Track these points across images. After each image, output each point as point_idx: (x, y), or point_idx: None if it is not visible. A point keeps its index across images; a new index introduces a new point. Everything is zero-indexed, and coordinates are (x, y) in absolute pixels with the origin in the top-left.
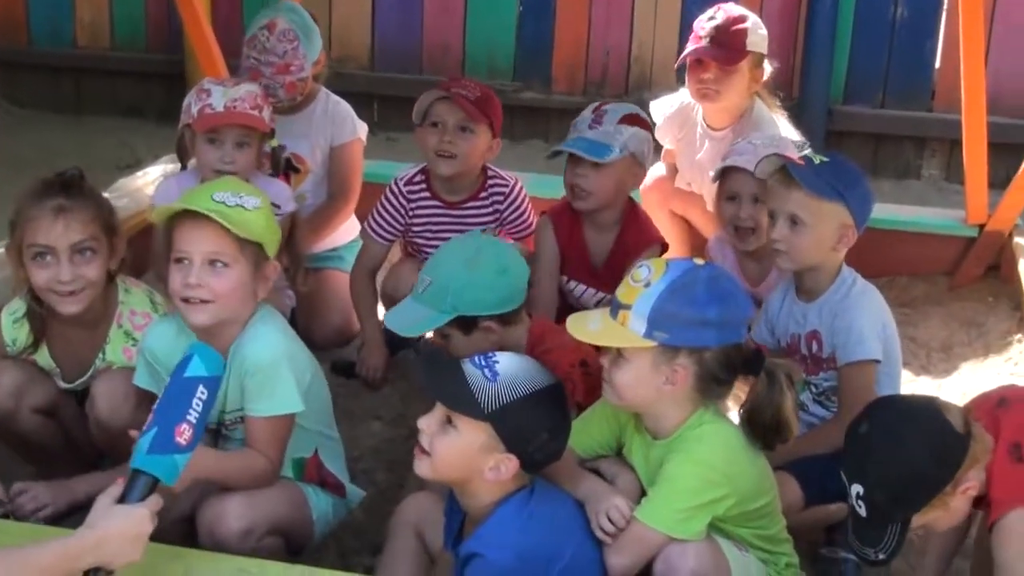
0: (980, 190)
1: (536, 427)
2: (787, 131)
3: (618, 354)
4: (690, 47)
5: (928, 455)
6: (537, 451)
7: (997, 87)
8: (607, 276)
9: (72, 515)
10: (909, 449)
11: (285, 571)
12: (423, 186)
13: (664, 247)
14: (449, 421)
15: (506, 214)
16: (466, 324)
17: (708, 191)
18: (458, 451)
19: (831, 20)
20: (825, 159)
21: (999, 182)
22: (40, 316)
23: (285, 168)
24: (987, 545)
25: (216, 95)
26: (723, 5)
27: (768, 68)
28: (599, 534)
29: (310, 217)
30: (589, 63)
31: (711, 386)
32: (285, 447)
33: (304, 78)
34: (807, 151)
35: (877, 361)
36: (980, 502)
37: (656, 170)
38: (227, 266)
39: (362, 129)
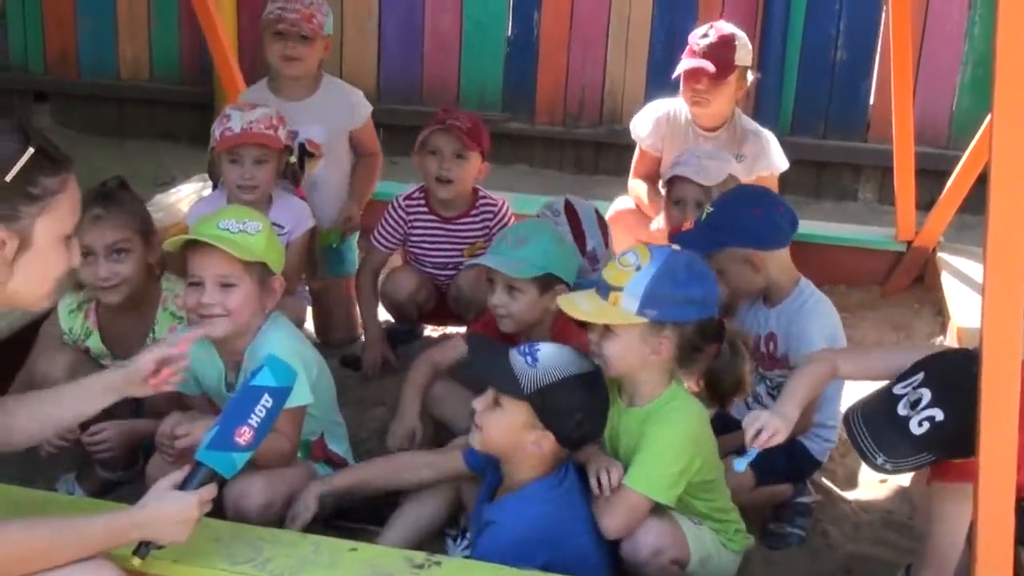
0: (908, 211)
1: (570, 408)
2: (767, 137)
3: (607, 329)
4: (686, 60)
5: None
6: (573, 430)
7: (923, 121)
8: None
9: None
10: None
11: (299, 539)
12: (421, 202)
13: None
14: (496, 402)
15: (494, 229)
16: (546, 284)
17: None
18: (503, 427)
19: (779, 62)
20: (711, 211)
21: (924, 204)
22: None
23: (300, 154)
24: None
25: (235, 119)
26: (715, 23)
27: (750, 77)
28: (593, 485)
29: (361, 176)
30: (567, 97)
31: (689, 354)
32: (300, 430)
33: (321, 35)
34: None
35: None
36: None
37: (620, 203)
38: (235, 285)
39: (368, 104)
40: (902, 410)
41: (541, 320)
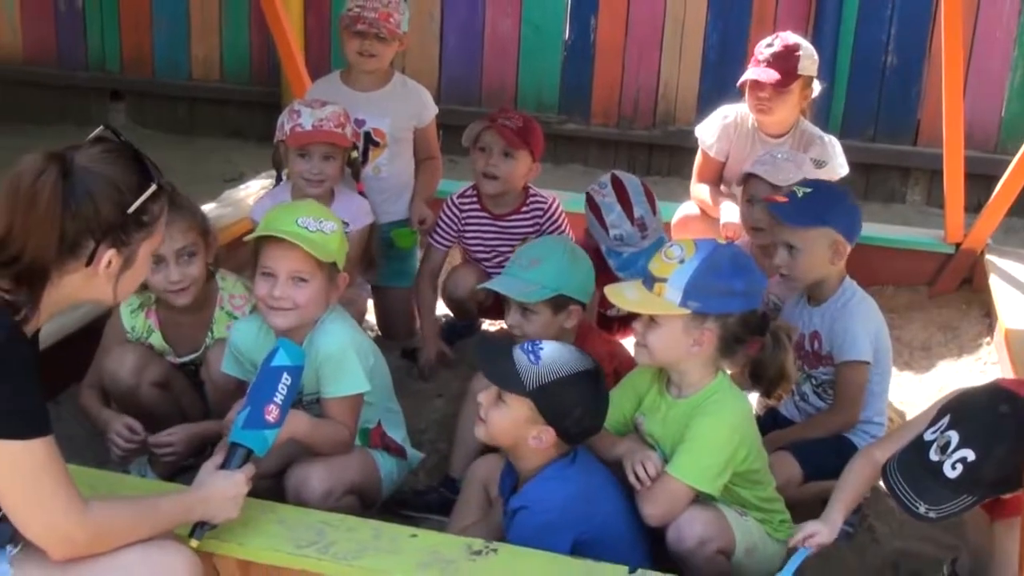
0: (957, 214)
1: (571, 404)
2: (831, 141)
3: (651, 320)
4: (751, 69)
5: None
6: (573, 425)
7: (972, 126)
8: None
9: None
10: None
11: (361, 524)
12: (474, 200)
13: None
14: (500, 397)
15: (545, 226)
16: (559, 304)
17: None
18: (506, 421)
19: (830, 67)
20: (808, 190)
21: (972, 207)
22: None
23: (365, 143)
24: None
25: (305, 116)
26: (781, 34)
27: (817, 87)
28: (632, 480)
29: (423, 179)
30: (622, 99)
31: (732, 346)
32: (359, 418)
33: (398, 35)
34: (799, 181)
35: (868, 363)
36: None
37: (685, 208)
38: (306, 281)
39: (434, 106)
40: (934, 455)
41: (558, 339)
